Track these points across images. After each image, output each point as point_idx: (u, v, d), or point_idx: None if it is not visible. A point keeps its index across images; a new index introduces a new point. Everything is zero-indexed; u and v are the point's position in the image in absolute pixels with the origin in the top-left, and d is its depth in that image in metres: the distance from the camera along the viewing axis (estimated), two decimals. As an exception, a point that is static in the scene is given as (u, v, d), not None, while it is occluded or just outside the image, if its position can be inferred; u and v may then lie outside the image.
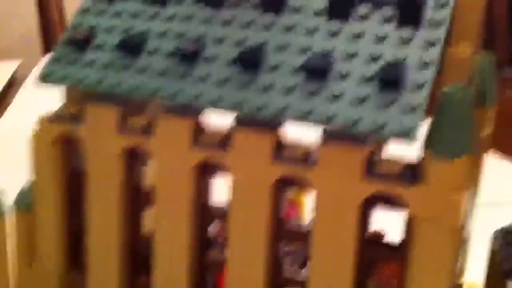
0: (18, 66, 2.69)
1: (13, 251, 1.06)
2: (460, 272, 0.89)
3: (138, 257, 1.01)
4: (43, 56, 3.07)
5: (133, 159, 0.96)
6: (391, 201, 0.79)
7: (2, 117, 2.14)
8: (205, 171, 0.91)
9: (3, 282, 1.07)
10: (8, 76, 2.52)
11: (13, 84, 2.51)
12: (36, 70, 2.66)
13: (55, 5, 3.31)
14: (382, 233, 0.91)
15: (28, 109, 2.10)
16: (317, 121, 0.77)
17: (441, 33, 0.78)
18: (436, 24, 0.78)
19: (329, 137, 0.79)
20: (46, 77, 0.94)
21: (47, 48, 3.37)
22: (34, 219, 1.03)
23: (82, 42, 0.94)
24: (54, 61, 0.95)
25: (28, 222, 1.04)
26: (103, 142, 0.94)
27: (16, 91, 2.40)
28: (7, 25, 4.02)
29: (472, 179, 0.88)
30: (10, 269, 1.07)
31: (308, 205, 1.13)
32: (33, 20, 3.41)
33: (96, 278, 1.00)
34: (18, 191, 1.06)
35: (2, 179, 1.08)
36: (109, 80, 0.89)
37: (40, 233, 1.03)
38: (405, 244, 0.82)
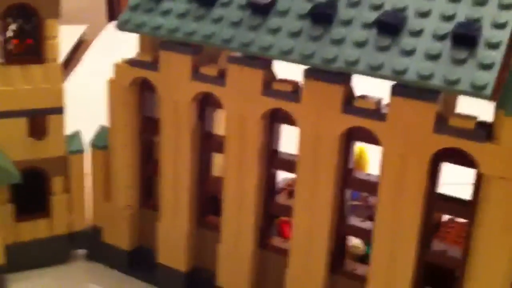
0: (85, 30, 2.65)
1: (93, 186, 1.04)
2: None
3: (207, 198, 0.96)
4: (109, 22, 3.03)
5: (205, 106, 0.91)
6: (461, 159, 0.72)
7: (74, 72, 2.12)
8: (275, 119, 0.86)
9: (79, 214, 1.05)
10: (76, 38, 2.49)
11: (79, 46, 2.49)
12: (102, 35, 2.65)
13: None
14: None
15: (95, 68, 2.09)
16: (388, 75, 0.70)
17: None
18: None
19: (399, 91, 0.72)
20: (124, 25, 0.89)
21: (112, 15, 3.33)
22: (109, 159, 1.00)
23: (158, -8, 0.88)
24: (131, 9, 0.89)
25: (105, 161, 1.01)
26: (177, 88, 0.89)
27: (82, 53, 2.37)
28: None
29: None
30: (87, 203, 1.05)
31: (370, 159, 1.08)
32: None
33: (167, 216, 0.97)
34: (96, 132, 1.02)
35: (77, 124, 1.04)
36: (184, 29, 0.84)
37: (115, 172, 1.00)
38: (474, 201, 0.75)
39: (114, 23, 2.81)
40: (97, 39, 2.56)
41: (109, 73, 0.96)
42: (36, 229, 1.02)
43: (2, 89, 0.93)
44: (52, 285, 1.00)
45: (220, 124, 0.98)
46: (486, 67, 0.66)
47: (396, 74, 0.70)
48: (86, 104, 1.44)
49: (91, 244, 1.07)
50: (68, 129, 1.01)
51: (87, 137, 1.03)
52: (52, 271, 1.04)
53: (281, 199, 0.93)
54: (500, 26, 0.68)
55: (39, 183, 1.00)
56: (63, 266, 1.06)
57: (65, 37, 0.96)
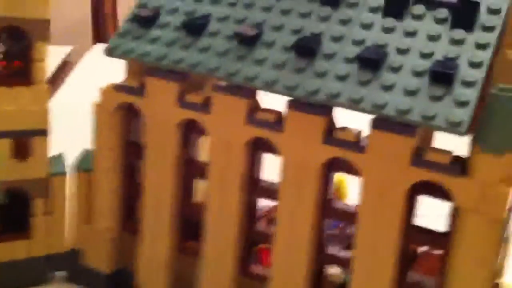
0: (71, 51, 2.66)
1: (73, 209, 1.04)
2: (501, 271, 0.83)
3: (188, 224, 0.97)
4: (94, 44, 3.04)
5: (189, 132, 0.93)
6: (436, 192, 0.74)
7: (58, 93, 2.12)
8: (257, 148, 0.87)
9: (59, 236, 1.04)
10: (60, 59, 2.50)
11: (64, 67, 2.49)
12: (87, 56, 2.66)
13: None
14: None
15: (79, 89, 2.10)
16: (368, 109, 0.73)
17: (493, 36, 0.73)
18: (488, 28, 0.73)
19: (378, 124, 0.74)
20: (112, 51, 0.91)
21: (97, 36, 3.34)
22: (93, 181, 1.00)
23: (147, 20, 0.91)
24: (120, 35, 0.91)
25: (87, 184, 1.01)
26: (162, 114, 0.90)
27: (66, 75, 2.37)
28: (62, 11, 3.96)
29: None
30: (67, 225, 1.05)
31: (349, 189, 1.10)
32: (86, 8, 3.38)
33: (148, 239, 0.97)
34: (79, 154, 1.03)
35: (60, 146, 1.05)
36: (172, 56, 0.85)
37: (98, 195, 1.00)
38: (449, 233, 0.77)
39: (99, 45, 2.82)
40: (81, 60, 2.57)
41: (94, 95, 0.97)
42: (14, 250, 1.01)
43: (-12, 110, 0.94)
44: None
45: (203, 150, 1.00)
46: (462, 104, 0.69)
47: (376, 108, 0.72)
48: (69, 125, 1.44)
49: (70, 267, 1.07)
50: (51, 151, 1.01)
51: (69, 158, 1.04)
52: (29, 294, 1.03)
53: (261, 226, 0.94)
54: (476, 65, 0.71)
55: (20, 204, 1.00)
56: (42, 288, 1.05)
57: (49, 57, 0.97)
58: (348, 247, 0.86)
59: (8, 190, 0.95)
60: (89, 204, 1.03)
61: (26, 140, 0.97)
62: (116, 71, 0.97)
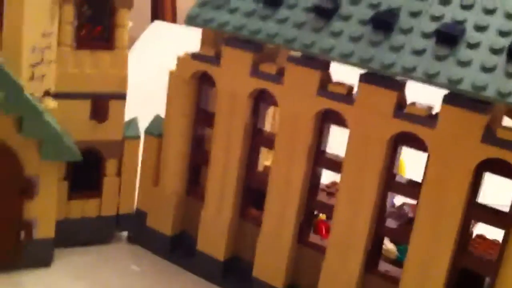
0: (130, 28, 2.70)
1: (142, 171, 1.08)
2: None
3: (252, 192, 1.00)
4: (151, 22, 3.10)
5: (260, 102, 0.95)
6: (505, 170, 0.75)
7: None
8: (327, 120, 0.89)
9: (129, 198, 1.08)
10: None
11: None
12: (145, 34, 2.71)
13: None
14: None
15: (138, 65, 2.14)
16: (444, 83, 0.73)
17: None
18: None
19: (450, 100, 0.75)
20: (192, 19, 0.94)
21: (154, 15, 3.40)
22: (163, 146, 1.04)
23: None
24: (200, 5, 0.94)
25: (157, 148, 1.05)
26: (236, 83, 0.93)
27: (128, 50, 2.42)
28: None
29: None
30: (137, 186, 1.09)
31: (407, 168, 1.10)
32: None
33: (212, 205, 1.00)
34: (152, 120, 1.07)
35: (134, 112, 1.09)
36: (250, 27, 0.88)
37: (166, 160, 1.04)
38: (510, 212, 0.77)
39: (157, 22, 2.85)
40: (141, 36, 2.62)
41: (156, 69, 0.99)
42: (86, 208, 1.06)
43: (71, 71, 0.98)
44: (94, 263, 1.04)
45: (270, 121, 1.02)
46: (539, 82, 0.69)
47: (452, 84, 0.73)
48: (141, 92, 1.48)
49: (135, 227, 1.11)
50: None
51: (142, 124, 1.08)
52: (96, 250, 1.08)
53: (323, 197, 0.96)
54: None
55: (94, 164, 1.05)
56: (107, 246, 1.10)
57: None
58: (405, 225, 0.87)
59: (84, 150, 0.99)
60: (158, 168, 1.06)
61: (105, 102, 1.01)
62: (175, 46, 0.99)
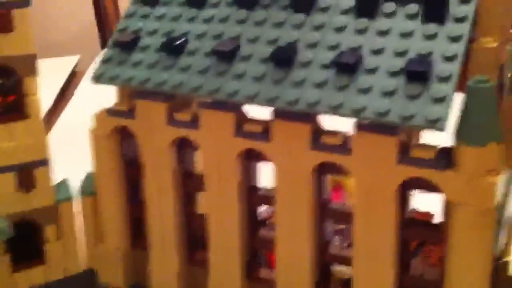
0: (78, 60, 2.67)
1: (86, 230, 1.06)
2: (504, 251, 0.83)
3: (194, 235, 0.98)
4: (101, 50, 3.05)
5: (184, 147, 0.93)
6: (428, 185, 0.74)
7: (66, 109, 2.14)
8: (250, 157, 0.88)
9: (74, 258, 1.06)
10: (70, 70, 2.51)
11: (74, 77, 2.50)
12: (95, 64, 2.65)
13: (111, 1, 3.29)
14: (431, 213, 0.87)
15: (89, 102, 2.09)
16: (347, 114, 0.72)
17: (465, 27, 0.72)
18: (460, 19, 0.72)
19: (362, 126, 0.74)
20: (99, 78, 0.92)
21: (104, 43, 3.36)
22: (98, 204, 1.02)
23: (128, 44, 0.91)
24: (104, 62, 0.92)
25: (93, 206, 1.03)
26: (155, 134, 0.91)
27: (77, 84, 2.39)
28: (66, 21, 3.96)
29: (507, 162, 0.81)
30: (81, 246, 1.07)
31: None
32: (90, 16, 3.39)
33: (157, 254, 0.99)
34: (83, 178, 1.05)
35: (67, 168, 1.07)
36: (155, 79, 0.86)
37: (104, 216, 1.02)
38: (445, 226, 0.77)
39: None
40: (90, 69, 2.58)
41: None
42: (32, 277, 1.04)
43: (-12, 147, 0.95)
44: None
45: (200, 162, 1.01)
46: (439, 100, 0.68)
47: (355, 113, 0.72)
48: (84, 140, 1.45)
49: (88, 286, 1.09)
50: (62, 168, 1.03)
51: (76, 180, 1.05)
52: (51, 316, 1.06)
53: (265, 230, 0.95)
54: (450, 58, 0.71)
55: (31, 232, 1.02)
56: (62, 310, 1.07)
57: (58, 69, 0.97)
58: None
59: (17, 222, 0.97)
60: (98, 225, 1.04)
61: (29, 172, 0.98)
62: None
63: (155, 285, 1.01)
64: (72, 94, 2.28)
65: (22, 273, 1.03)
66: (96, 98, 1.06)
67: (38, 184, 1.00)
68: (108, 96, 0.98)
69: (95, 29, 3.40)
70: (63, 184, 1.05)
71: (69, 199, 1.04)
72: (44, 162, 0.99)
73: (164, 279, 0.99)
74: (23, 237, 1.00)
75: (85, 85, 2.39)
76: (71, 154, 1.06)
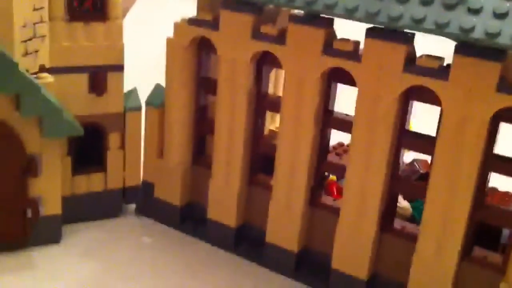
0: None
1: (146, 143, 1.05)
2: None
3: (260, 158, 0.97)
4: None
5: (263, 66, 0.92)
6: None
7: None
8: (333, 79, 0.86)
9: (134, 170, 1.06)
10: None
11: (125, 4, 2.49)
12: (139, 2, 2.65)
13: None
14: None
15: (143, 25, 2.08)
16: (455, 33, 0.70)
17: None
18: None
19: (463, 50, 0.72)
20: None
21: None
22: (165, 117, 1.01)
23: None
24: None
25: (159, 119, 1.02)
26: (236, 47, 0.90)
27: (126, 12, 2.37)
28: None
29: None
30: (142, 159, 1.06)
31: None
32: None
33: (219, 173, 0.98)
34: (152, 90, 1.04)
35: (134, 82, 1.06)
36: (248, -14, 0.84)
37: (170, 130, 1.01)
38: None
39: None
40: (135, 5, 2.57)
41: (158, 30, 0.96)
42: (91, 183, 1.04)
43: (66, 45, 0.95)
44: (104, 238, 1.03)
45: (274, 84, 0.99)
46: (555, 25, 0.66)
47: (463, 32, 0.70)
48: (138, 62, 1.44)
49: (143, 200, 1.09)
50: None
51: (143, 94, 1.05)
52: (105, 224, 1.06)
53: (332, 159, 0.94)
54: None
55: (96, 138, 1.02)
56: (116, 220, 1.08)
57: None
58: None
59: (85, 124, 0.96)
60: (162, 140, 1.04)
61: (103, 75, 0.98)
62: (170, 14, 0.94)
63: (213, 204, 1.00)
64: (124, 17, 2.27)
65: (82, 177, 1.03)
66: (142, 29, 1.05)
67: (110, 89, 0.99)
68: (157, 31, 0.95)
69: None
70: (132, 94, 1.04)
71: (138, 108, 1.03)
72: (118, 68, 0.99)
73: (224, 198, 0.99)
74: (87, 142, 1.00)
75: (131, 22, 2.38)
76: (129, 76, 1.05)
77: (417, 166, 1.02)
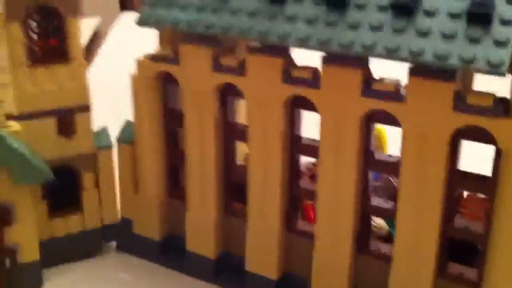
0: (99, 22, 2.68)
1: (121, 179, 1.06)
2: None
3: (232, 186, 0.98)
4: (121, 12, 3.06)
5: (226, 96, 0.93)
6: (479, 135, 0.73)
7: (93, 66, 2.15)
8: (295, 106, 0.87)
9: (111, 208, 1.07)
10: (91, 31, 2.52)
11: (95, 39, 2.52)
12: (116, 25, 2.67)
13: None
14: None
15: (112, 60, 2.12)
16: (405, 57, 0.71)
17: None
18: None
19: (417, 72, 0.73)
20: (144, 20, 0.91)
21: (123, 5, 3.34)
22: (136, 152, 1.02)
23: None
24: (150, 5, 0.91)
25: (131, 155, 1.03)
26: (198, 80, 0.90)
27: (99, 46, 2.40)
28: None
29: None
30: (118, 196, 1.07)
31: (388, 140, 1.09)
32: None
33: (195, 204, 0.99)
34: (122, 127, 1.04)
35: (101, 120, 1.07)
36: (204, 22, 0.85)
37: (142, 165, 1.02)
38: (494, 177, 0.75)
39: (126, 14, 2.84)
40: (111, 30, 2.58)
41: (128, 65, 0.97)
42: (69, 225, 1.04)
43: (30, 91, 0.95)
44: (86, 278, 1.03)
45: (241, 113, 1.00)
46: (501, 44, 0.67)
47: (414, 56, 0.70)
48: (108, 98, 1.45)
49: (122, 236, 1.09)
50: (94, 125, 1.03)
51: (113, 131, 1.05)
52: (85, 265, 1.06)
53: (304, 183, 0.94)
54: (514, 2, 0.69)
55: (70, 180, 1.02)
56: (96, 259, 1.08)
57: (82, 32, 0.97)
58: (392, 198, 0.86)
59: (57, 167, 0.97)
60: (136, 175, 1.04)
61: (70, 117, 0.98)
62: (146, 39, 0.95)
63: (192, 236, 1.01)
64: (94, 56, 2.29)
65: (59, 220, 1.03)
66: (120, 59, 1.06)
67: (79, 130, 1.00)
68: (132, 55, 0.97)
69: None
70: (103, 132, 1.04)
71: (109, 147, 1.04)
72: (85, 108, 0.99)
73: (201, 229, 0.99)
74: (61, 185, 1.00)
75: (108, 46, 2.39)
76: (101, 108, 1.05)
77: (394, 182, 1.02)
